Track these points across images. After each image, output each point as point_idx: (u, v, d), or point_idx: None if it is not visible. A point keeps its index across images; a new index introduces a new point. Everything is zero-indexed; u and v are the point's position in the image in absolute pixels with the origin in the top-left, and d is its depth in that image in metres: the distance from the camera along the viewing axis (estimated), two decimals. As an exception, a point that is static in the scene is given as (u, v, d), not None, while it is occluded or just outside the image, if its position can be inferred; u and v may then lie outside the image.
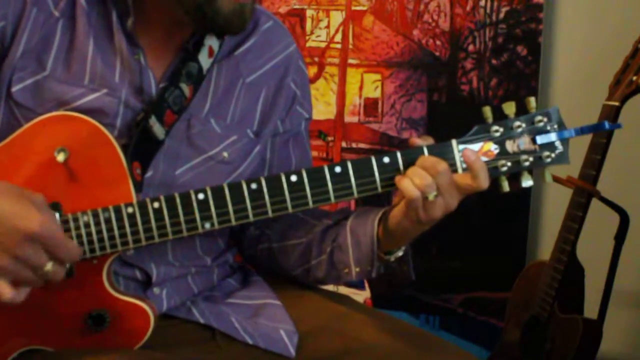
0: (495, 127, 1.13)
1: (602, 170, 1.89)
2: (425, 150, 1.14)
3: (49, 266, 1.06)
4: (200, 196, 1.14)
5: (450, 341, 1.31)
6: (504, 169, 1.14)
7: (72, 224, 1.12)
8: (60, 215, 1.12)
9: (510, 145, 1.14)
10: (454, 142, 1.14)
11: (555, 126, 1.13)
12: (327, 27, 2.48)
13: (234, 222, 1.15)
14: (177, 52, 1.27)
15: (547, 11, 2.31)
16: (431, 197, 1.11)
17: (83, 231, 1.13)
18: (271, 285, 1.39)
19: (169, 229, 1.14)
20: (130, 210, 1.13)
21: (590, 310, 2.06)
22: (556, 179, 1.89)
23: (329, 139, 2.53)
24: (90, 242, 1.13)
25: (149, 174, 1.22)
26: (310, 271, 1.33)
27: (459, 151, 1.13)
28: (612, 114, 1.83)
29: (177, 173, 1.25)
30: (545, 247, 2.36)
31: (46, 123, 1.15)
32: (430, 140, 1.15)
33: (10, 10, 1.19)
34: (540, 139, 1.13)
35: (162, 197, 1.13)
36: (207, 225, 1.14)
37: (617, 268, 2.01)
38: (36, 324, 1.16)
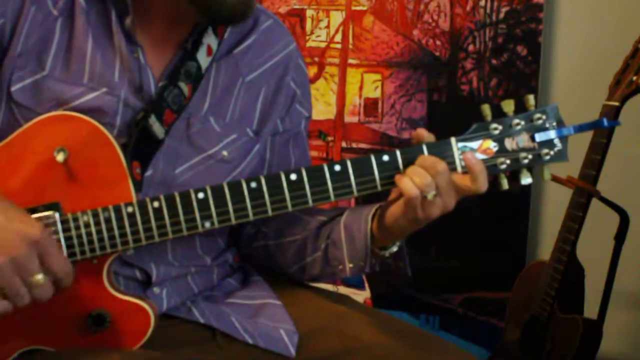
0: (494, 125, 1.13)
1: (602, 170, 1.89)
2: (425, 149, 1.14)
3: (40, 277, 1.07)
4: (200, 195, 1.14)
5: (450, 341, 1.31)
6: (503, 166, 1.14)
7: (72, 224, 1.13)
8: (60, 215, 1.12)
9: (509, 143, 1.14)
10: (453, 140, 1.14)
11: (554, 124, 1.13)
12: (327, 27, 2.49)
13: (233, 221, 1.15)
14: (176, 51, 1.27)
15: (547, 11, 2.31)
16: (430, 196, 1.11)
17: (83, 231, 1.13)
18: (271, 285, 1.39)
19: (169, 228, 1.14)
20: (130, 209, 1.13)
21: (590, 310, 2.06)
22: (556, 179, 1.89)
23: (329, 139, 2.53)
24: (90, 242, 1.13)
25: (148, 173, 1.22)
26: (306, 268, 1.34)
27: (458, 149, 1.13)
28: (612, 114, 1.83)
29: (176, 172, 1.25)
30: (545, 247, 2.36)
31: (46, 123, 1.15)
32: (431, 137, 1.15)
33: (9, 8, 1.19)
34: (539, 137, 1.13)
35: (161, 197, 1.13)
36: (207, 225, 1.14)
37: (617, 268, 2.01)
38: (36, 324, 1.16)
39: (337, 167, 1.14)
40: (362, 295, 2.53)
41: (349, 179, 1.14)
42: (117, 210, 1.13)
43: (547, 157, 1.14)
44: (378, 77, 2.46)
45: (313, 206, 1.16)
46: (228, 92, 1.30)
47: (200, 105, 1.28)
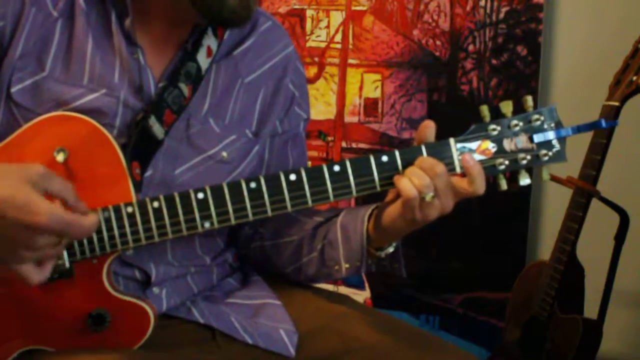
0: (492, 126, 1.13)
1: (602, 170, 1.89)
2: (424, 150, 1.14)
3: (65, 241, 1.08)
4: (200, 195, 1.14)
5: (450, 341, 1.31)
6: (502, 167, 1.14)
7: (72, 224, 1.13)
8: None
9: (507, 144, 1.14)
10: (452, 140, 1.14)
11: (553, 125, 1.14)
12: (327, 27, 2.49)
13: (233, 222, 1.15)
14: (176, 52, 1.27)
15: (547, 11, 2.30)
16: (428, 197, 1.11)
17: (83, 231, 1.13)
18: (271, 284, 1.39)
19: (168, 228, 1.14)
20: (129, 209, 1.13)
21: (590, 310, 2.06)
22: (556, 179, 1.89)
23: (329, 139, 2.53)
24: (90, 242, 1.13)
25: (148, 173, 1.22)
26: (302, 269, 1.34)
27: (457, 150, 1.14)
28: (612, 114, 1.83)
29: (176, 172, 1.25)
30: (545, 247, 2.36)
31: (45, 123, 1.15)
32: (432, 133, 1.15)
33: (9, 9, 1.19)
34: (538, 138, 1.13)
35: (161, 197, 1.14)
36: (207, 225, 1.14)
37: (617, 268, 2.01)
38: (36, 324, 1.16)
39: (336, 168, 1.14)
40: (362, 295, 2.53)
41: (348, 179, 1.14)
42: (117, 210, 1.13)
43: (546, 158, 1.14)
44: (378, 77, 2.46)
45: (312, 206, 1.16)
46: (227, 93, 1.31)
47: (200, 106, 1.28)
